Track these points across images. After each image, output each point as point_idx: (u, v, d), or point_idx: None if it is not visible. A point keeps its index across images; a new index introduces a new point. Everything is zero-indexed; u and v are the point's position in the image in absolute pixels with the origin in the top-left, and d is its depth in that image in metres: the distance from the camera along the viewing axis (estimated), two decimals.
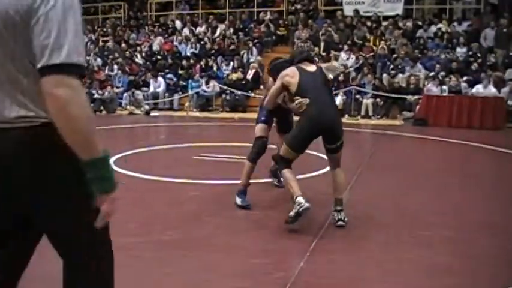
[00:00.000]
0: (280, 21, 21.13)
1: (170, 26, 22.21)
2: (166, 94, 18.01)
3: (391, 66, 17.22)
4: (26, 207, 2.00)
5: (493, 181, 7.98)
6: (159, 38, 20.99)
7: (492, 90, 14.91)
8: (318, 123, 5.12)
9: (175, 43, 20.69)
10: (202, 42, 20.28)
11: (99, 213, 1.98)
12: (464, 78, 15.88)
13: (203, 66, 18.93)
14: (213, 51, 19.76)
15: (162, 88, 17.91)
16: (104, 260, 2.20)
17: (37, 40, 1.80)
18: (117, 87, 18.19)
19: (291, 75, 5.28)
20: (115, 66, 19.28)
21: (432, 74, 16.23)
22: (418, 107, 15.24)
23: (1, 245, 2.13)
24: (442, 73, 16.25)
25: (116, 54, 19.90)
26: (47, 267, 2.73)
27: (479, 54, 17.05)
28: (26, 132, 1.90)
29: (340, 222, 5.15)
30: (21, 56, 1.87)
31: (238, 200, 5.84)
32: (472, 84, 15.50)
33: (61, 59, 1.77)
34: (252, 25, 21.39)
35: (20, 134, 1.90)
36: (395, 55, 17.61)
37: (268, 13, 21.66)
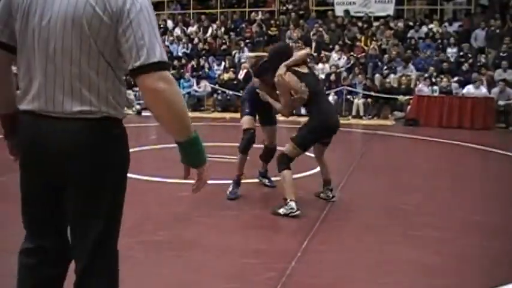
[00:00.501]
0: (272, 21, 21.14)
1: (161, 25, 22.17)
2: None
3: (383, 67, 17.26)
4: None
5: (483, 181, 8.01)
6: None
7: (483, 90, 14.99)
8: (329, 126, 5.62)
9: (167, 43, 20.66)
10: (193, 42, 20.27)
11: (200, 181, 2.38)
12: (455, 78, 15.95)
13: (195, 66, 18.92)
14: (204, 51, 19.75)
15: None
16: (114, 255, 2.38)
17: (130, 41, 1.99)
18: None
19: (293, 85, 5.52)
20: None
21: (423, 74, 16.28)
22: (409, 107, 15.29)
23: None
24: (433, 73, 16.32)
25: None
26: None
27: (469, 55, 17.13)
28: (86, 124, 2.07)
29: (334, 199, 5.95)
30: (98, 54, 2.02)
31: (229, 190, 6.06)
32: (462, 85, 15.58)
33: (157, 58, 2.00)
34: (244, 25, 21.40)
35: (80, 126, 2.06)
36: (386, 55, 17.66)
37: (260, 13, 21.69)
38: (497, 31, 17.72)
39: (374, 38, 18.79)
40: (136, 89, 17.64)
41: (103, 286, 2.26)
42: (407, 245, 4.73)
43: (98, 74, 2.05)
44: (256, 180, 7.03)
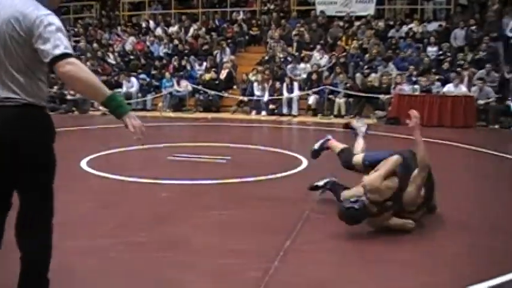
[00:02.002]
0: (253, 21, 21.15)
1: (143, 25, 22.09)
2: (139, 94, 17.87)
3: (364, 66, 17.33)
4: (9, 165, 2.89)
5: (463, 179, 8.07)
6: (132, 38, 20.84)
7: (463, 89, 15.12)
8: None
9: (148, 43, 20.58)
10: (175, 42, 20.20)
11: (135, 129, 3.01)
12: (436, 77, 16.07)
13: (176, 66, 18.85)
14: (186, 51, 19.69)
15: (135, 88, 17.76)
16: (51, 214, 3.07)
17: (42, 46, 2.78)
18: None
19: None
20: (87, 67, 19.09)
21: (404, 73, 16.37)
22: (390, 106, 15.38)
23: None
24: (414, 72, 16.43)
25: (88, 55, 19.70)
26: None
27: (449, 54, 17.28)
28: (11, 109, 2.85)
29: None
30: (17, 57, 2.84)
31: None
32: (443, 84, 15.72)
33: (61, 51, 2.76)
34: (225, 25, 21.37)
35: (6, 110, 2.84)
36: (367, 55, 17.73)
37: (241, 13, 21.67)
38: (476, 30, 17.90)
39: (355, 38, 18.87)
40: (118, 90, 17.58)
41: None
42: (389, 242, 4.77)
43: (18, 73, 2.85)
44: (239, 180, 7.03)
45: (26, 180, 2.94)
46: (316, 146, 6.30)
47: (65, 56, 2.76)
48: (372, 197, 4.74)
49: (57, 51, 2.75)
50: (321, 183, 6.07)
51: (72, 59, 2.78)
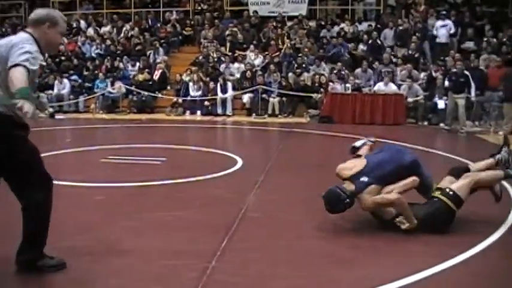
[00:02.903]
0: (187, 21, 21.06)
1: (74, 25, 21.62)
2: (71, 96, 17.50)
3: (296, 65, 17.54)
4: None
5: None
6: (63, 38, 20.38)
7: (393, 87, 15.54)
8: None
9: (80, 43, 20.19)
10: (107, 43, 19.89)
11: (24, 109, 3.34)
12: (368, 73, 16.47)
13: (109, 67, 18.56)
14: (118, 52, 19.41)
15: (66, 90, 17.39)
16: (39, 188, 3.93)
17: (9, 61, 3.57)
18: None
19: None
20: None
21: (336, 72, 16.66)
22: (323, 105, 15.63)
23: None
24: (346, 71, 16.77)
25: None
26: None
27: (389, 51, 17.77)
28: None
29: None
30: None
31: None
32: (374, 82, 16.16)
33: (15, 62, 3.52)
34: (158, 25, 21.20)
35: None
36: (300, 54, 17.96)
37: (174, 13, 21.52)
38: (404, 29, 18.47)
39: (288, 38, 19.09)
40: (49, 92, 17.23)
41: None
42: (324, 239, 4.88)
43: None
44: (176, 181, 7.02)
45: None
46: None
47: (15, 65, 3.53)
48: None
49: (12, 63, 3.54)
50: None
51: (18, 68, 3.54)
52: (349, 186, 5.05)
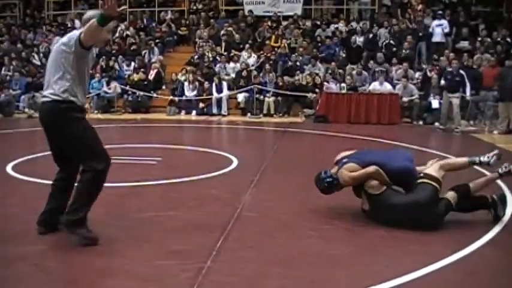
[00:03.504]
0: (182, 21, 21.08)
1: (69, 25, 21.55)
2: None
3: (292, 65, 17.56)
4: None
5: None
6: (57, 38, 20.29)
7: (388, 87, 15.57)
8: None
9: None
10: None
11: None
12: (363, 75, 16.50)
13: (104, 66, 18.54)
14: (113, 52, 19.39)
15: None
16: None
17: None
18: (14, 90, 17.49)
19: None
20: (11, 68, 18.51)
21: (331, 72, 16.69)
22: (318, 104, 15.65)
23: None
24: (341, 71, 16.81)
25: (13, 55, 19.12)
26: None
27: (383, 51, 17.82)
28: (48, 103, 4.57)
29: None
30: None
31: None
32: (369, 82, 16.19)
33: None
34: (153, 25, 21.21)
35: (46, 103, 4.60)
36: (295, 54, 17.98)
37: (169, 13, 21.54)
38: (399, 29, 18.54)
39: (283, 37, 19.11)
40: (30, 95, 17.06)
41: None
42: (319, 238, 4.88)
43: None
44: (170, 181, 7.02)
45: None
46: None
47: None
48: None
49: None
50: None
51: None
52: (333, 169, 5.60)
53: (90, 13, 4.61)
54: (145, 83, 17.59)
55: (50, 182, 4.88)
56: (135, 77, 17.78)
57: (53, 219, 4.73)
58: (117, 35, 20.45)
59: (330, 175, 5.50)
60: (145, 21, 21.57)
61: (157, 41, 19.86)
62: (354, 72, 16.57)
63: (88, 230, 4.58)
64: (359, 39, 18.46)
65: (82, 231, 4.54)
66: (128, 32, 20.36)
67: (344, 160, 5.56)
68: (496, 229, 5.10)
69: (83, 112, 4.79)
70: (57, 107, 4.53)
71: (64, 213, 4.62)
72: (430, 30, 18.02)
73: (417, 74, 16.51)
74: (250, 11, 20.67)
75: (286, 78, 16.89)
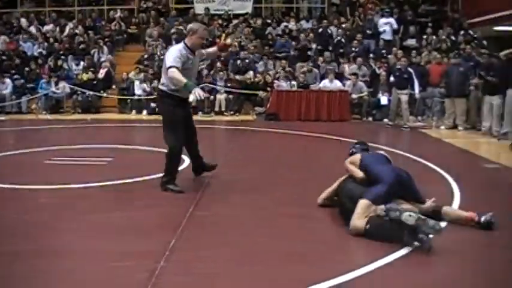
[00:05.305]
0: (132, 19, 20.88)
1: (15, 24, 21.10)
2: (14, 97, 17.07)
3: (242, 63, 17.59)
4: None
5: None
6: (3, 37, 19.82)
7: (338, 84, 15.76)
8: None
9: (21, 42, 19.70)
10: (50, 42, 19.50)
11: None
12: (314, 73, 16.66)
13: (52, 66, 18.21)
14: (62, 51, 19.04)
15: (8, 90, 16.91)
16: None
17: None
18: None
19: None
20: None
21: (281, 69, 16.80)
22: (269, 102, 15.73)
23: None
24: (290, 69, 16.95)
25: None
26: None
27: (330, 48, 18.02)
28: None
29: None
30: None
31: None
32: (319, 79, 16.37)
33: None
34: (103, 23, 20.93)
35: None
36: (245, 52, 18.02)
37: (119, 11, 21.29)
38: (348, 28, 18.81)
39: (234, 35, 19.10)
40: None
41: None
42: (273, 236, 4.92)
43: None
44: (125, 181, 6.97)
45: None
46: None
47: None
48: None
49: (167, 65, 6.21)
50: None
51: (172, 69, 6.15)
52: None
53: (193, 26, 6.57)
54: (95, 82, 17.35)
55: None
56: (84, 76, 17.53)
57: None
58: (65, 33, 20.11)
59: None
60: (94, 19, 21.23)
61: (106, 39, 19.58)
62: (304, 69, 16.70)
63: (176, 184, 6.52)
64: (309, 38, 18.63)
65: (172, 185, 6.49)
66: (77, 31, 20.01)
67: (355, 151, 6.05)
68: (445, 222, 5.22)
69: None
70: None
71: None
72: (379, 28, 18.34)
73: (366, 71, 16.77)
74: (207, 9, 20.58)
75: (236, 73, 16.91)
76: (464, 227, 5.12)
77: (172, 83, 6.21)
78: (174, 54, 6.19)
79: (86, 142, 10.56)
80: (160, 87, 6.54)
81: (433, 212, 5.18)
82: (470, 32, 18.42)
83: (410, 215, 4.48)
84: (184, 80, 6.01)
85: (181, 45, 6.40)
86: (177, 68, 6.08)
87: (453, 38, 17.94)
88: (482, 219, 5.07)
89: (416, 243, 4.50)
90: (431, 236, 4.47)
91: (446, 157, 9.56)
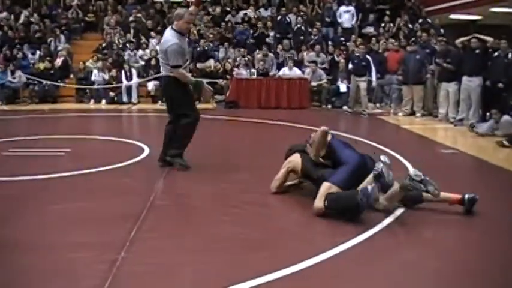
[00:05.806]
0: (89, 7, 20.56)
1: None
2: None
3: (202, 51, 17.51)
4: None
5: None
6: None
7: (297, 72, 15.85)
8: None
9: None
10: (4, 30, 19.07)
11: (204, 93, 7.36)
12: (270, 58, 16.72)
13: (7, 55, 17.81)
14: (17, 40, 18.63)
15: None
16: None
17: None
18: None
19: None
20: None
21: (241, 58, 16.80)
22: (229, 90, 15.73)
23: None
24: (249, 57, 16.96)
25: None
26: None
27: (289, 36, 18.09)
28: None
29: None
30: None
31: None
32: (278, 67, 16.43)
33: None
34: (59, 11, 20.54)
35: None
36: (204, 40, 17.94)
37: None
38: (307, 16, 18.91)
39: (193, 23, 18.99)
40: None
41: None
42: (234, 223, 4.95)
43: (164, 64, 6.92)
44: (78, 172, 6.89)
45: None
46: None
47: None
48: None
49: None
50: None
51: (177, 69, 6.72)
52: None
53: (179, 11, 6.87)
54: (52, 71, 17.05)
55: None
56: (41, 65, 17.20)
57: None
58: (20, 21, 19.68)
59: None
60: (50, 7, 20.81)
61: (63, 28, 19.22)
62: (261, 56, 16.70)
63: (182, 159, 7.01)
64: (267, 25, 18.65)
65: (179, 160, 6.99)
66: (32, 19, 19.59)
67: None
68: (402, 208, 5.32)
69: None
70: None
71: (164, 154, 7.10)
72: (338, 16, 18.48)
73: (325, 59, 16.90)
74: None
75: (196, 60, 16.85)
76: (426, 209, 5.25)
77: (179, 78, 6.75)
78: (174, 50, 6.62)
79: (43, 133, 10.40)
80: (168, 73, 6.87)
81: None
82: (428, 20, 18.70)
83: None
84: (193, 80, 6.94)
85: (171, 31, 6.79)
86: (180, 65, 6.70)
87: (410, 25, 18.18)
88: (466, 196, 5.24)
89: (364, 199, 4.81)
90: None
91: (404, 143, 9.73)
